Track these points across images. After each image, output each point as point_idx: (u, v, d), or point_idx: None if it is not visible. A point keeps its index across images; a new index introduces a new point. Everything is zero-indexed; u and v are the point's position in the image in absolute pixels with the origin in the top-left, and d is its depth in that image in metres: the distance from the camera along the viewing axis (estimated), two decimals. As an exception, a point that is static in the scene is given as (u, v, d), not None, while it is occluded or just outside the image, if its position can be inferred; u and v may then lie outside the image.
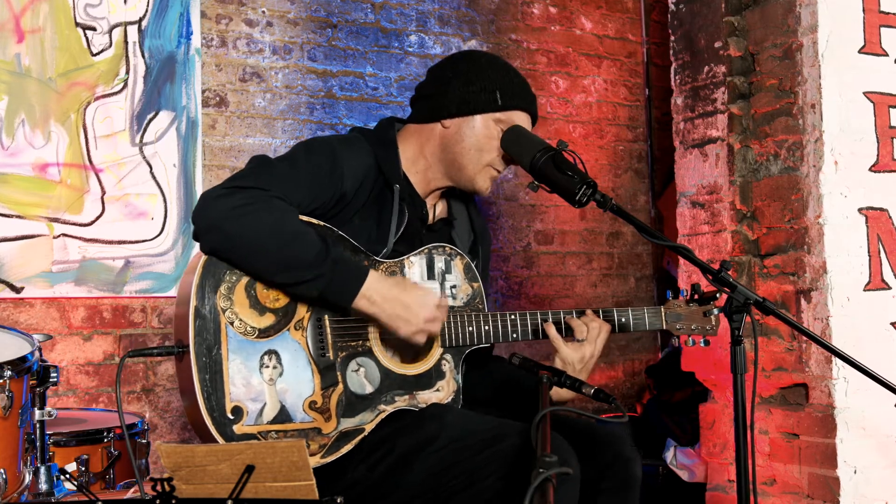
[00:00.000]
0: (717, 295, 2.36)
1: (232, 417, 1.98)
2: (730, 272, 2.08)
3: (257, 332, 2.04)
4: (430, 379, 2.20)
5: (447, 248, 2.27)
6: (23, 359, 2.16)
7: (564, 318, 2.29)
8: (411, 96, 2.40)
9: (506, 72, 2.31)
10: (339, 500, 1.62)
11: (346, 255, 2.10)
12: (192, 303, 1.99)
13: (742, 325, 2.05)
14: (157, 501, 1.54)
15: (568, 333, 2.29)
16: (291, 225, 2.02)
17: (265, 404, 2.02)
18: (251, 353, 2.02)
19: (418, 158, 2.31)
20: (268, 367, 2.04)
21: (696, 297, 2.39)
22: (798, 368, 3.18)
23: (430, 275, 2.24)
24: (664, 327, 2.38)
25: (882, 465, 3.12)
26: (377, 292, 2.05)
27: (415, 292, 2.10)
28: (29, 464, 2.23)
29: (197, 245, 2.07)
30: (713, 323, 2.38)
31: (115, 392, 2.03)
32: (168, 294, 3.69)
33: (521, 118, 2.29)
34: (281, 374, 2.05)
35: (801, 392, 3.20)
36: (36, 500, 2.26)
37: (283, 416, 2.03)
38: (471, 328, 2.22)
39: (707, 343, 2.39)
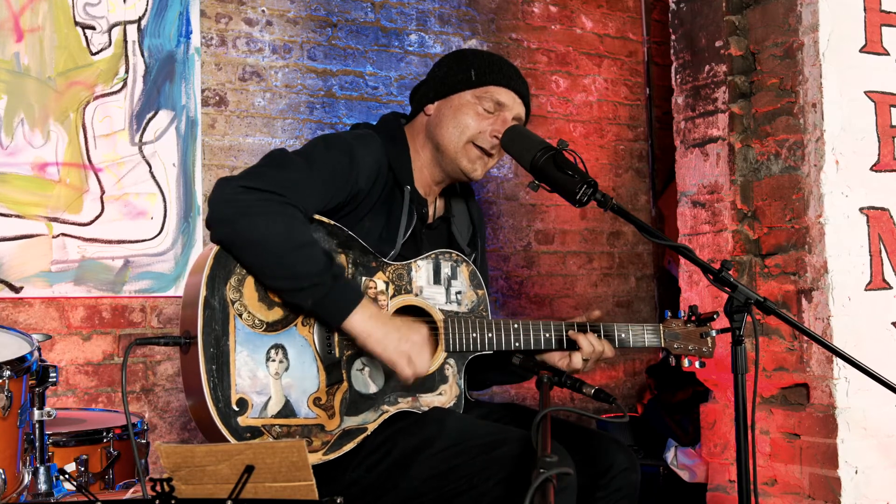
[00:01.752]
0: (715, 317, 2.38)
1: (237, 409, 1.98)
2: (731, 272, 2.08)
3: (265, 326, 2.04)
4: (433, 382, 2.20)
5: (454, 255, 2.28)
6: (22, 359, 2.16)
7: (567, 333, 2.30)
8: (409, 97, 2.42)
9: (488, 55, 2.34)
10: (339, 501, 1.61)
11: (346, 274, 2.11)
12: (202, 293, 1.99)
13: (743, 325, 2.05)
14: (157, 502, 1.54)
15: (570, 347, 2.29)
16: (301, 235, 2.03)
17: (270, 398, 2.02)
18: (258, 345, 2.03)
19: (415, 155, 2.32)
20: (274, 360, 2.04)
21: (693, 318, 2.41)
22: (799, 368, 3.18)
23: (437, 280, 2.25)
24: (662, 345, 2.40)
25: (883, 465, 3.11)
26: (372, 312, 2.05)
27: (405, 321, 2.11)
28: (28, 464, 2.23)
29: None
30: (709, 345, 2.41)
31: (122, 378, 2.03)
32: (167, 294, 3.68)
33: (502, 94, 2.27)
34: (287, 369, 2.05)
35: (802, 392, 3.20)
36: (35, 500, 2.25)
37: (287, 410, 2.03)
38: (474, 334, 2.23)
39: (703, 365, 2.41)
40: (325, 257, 2.04)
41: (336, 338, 2.10)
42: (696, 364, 2.40)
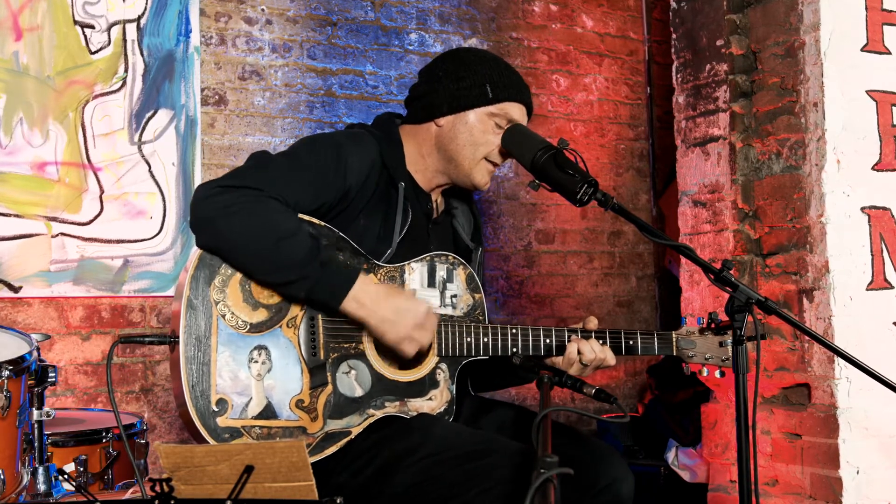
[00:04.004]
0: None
1: (216, 409, 1.98)
2: (732, 271, 2.06)
3: (249, 327, 2.04)
4: (423, 387, 2.18)
5: (450, 258, 2.26)
6: (21, 358, 2.15)
7: (570, 338, 2.25)
8: (405, 98, 2.38)
9: (495, 64, 2.29)
10: (339, 501, 1.60)
11: (336, 257, 2.09)
12: (186, 293, 1.99)
13: (744, 325, 2.03)
14: (156, 502, 1.53)
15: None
16: (282, 225, 2.01)
17: (251, 399, 2.01)
18: (241, 346, 2.02)
19: (417, 159, 2.30)
20: (256, 362, 2.03)
21: (712, 325, 2.32)
22: (800, 368, 3.17)
23: (431, 282, 2.22)
24: (674, 354, 2.33)
25: (885, 465, 3.11)
26: (366, 295, 2.03)
27: (405, 298, 2.08)
28: (27, 464, 2.22)
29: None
30: (730, 353, 2.29)
31: (107, 377, 2.02)
32: (167, 293, 3.67)
33: (514, 109, 2.27)
34: (269, 371, 2.04)
35: (803, 392, 3.19)
36: (34, 500, 2.25)
37: (268, 412, 2.02)
38: (469, 339, 2.20)
39: (723, 374, 2.30)
40: (311, 243, 2.02)
41: (321, 340, 2.09)
42: (717, 373, 2.31)
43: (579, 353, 2.22)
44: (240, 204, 1.98)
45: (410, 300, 2.08)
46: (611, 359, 2.26)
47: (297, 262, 1.99)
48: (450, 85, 2.26)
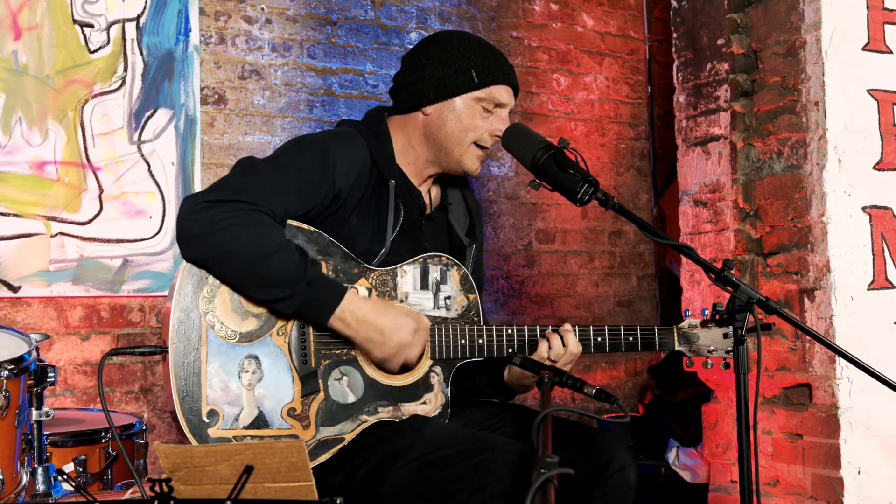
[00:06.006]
0: None
1: (207, 420, 1.97)
2: (733, 271, 2.05)
3: (238, 337, 2.03)
4: (416, 391, 2.16)
5: (443, 258, 2.24)
6: (20, 358, 2.15)
7: (560, 334, 2.22)
8: (390, 87, 2.36)
9: (478, 48, 2.27)
10: (339, 501, 1.60)
11: (325, 273, 2.08)
12: (174, 304, 1.99)
13: (745, 325, 2.03)
14: (156, 502, 1.52)
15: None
16: (270, 242, 1.99)
17: (242, 409, 2.01)
18: (231, 357, 2.01)
19: (408, 150, 2.28)
20: (247, 371, 2.02)
21: (717, 316, 2.28)
22: (801, 368, 3.17)
23: (424, 285, 2.20)
24: (675, 348, 2.32)
25: (886, 465, 3.10)
26: (352, 314, 2.03)
27: (391, 316, 2.07)
28: (26, 464, 2.22)
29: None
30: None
31: (98, 390, 2.02)
32: (166, 293, 3.67)
33: (501, 92, 2.26)
34: (260, 380, 2.03)
35: (804, 392, 3.18)
36: (33, 500, 2.24)
37: (259, 421, 2.01)
38: (463, 341, 2.18)
39: (727, 365, 2.27)
40: (299, 261, 2.00)
41: (312, 347, 2.08)
42: (721, 365, 2.29)
43: (549, 348, 2.20)
44: (228, 219, 1.96)
45: (398, 318, 2.07)
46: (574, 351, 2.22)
47: (284, 280, 1.98)
48: (434, 72, 2.24)
